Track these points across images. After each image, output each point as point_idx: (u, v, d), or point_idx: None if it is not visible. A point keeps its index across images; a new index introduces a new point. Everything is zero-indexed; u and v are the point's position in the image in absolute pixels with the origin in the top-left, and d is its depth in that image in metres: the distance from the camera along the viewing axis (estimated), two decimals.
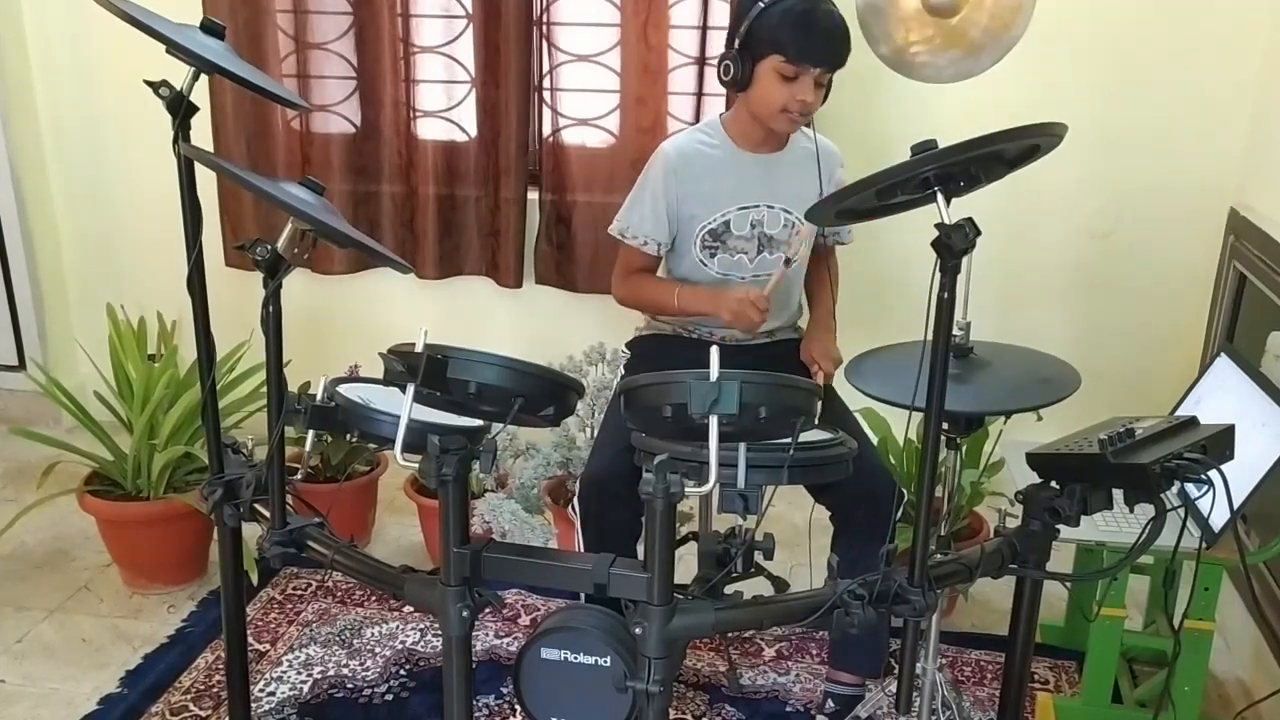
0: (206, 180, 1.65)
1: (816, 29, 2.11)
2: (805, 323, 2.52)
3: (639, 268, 2.39)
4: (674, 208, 2.30)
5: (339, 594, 2.78)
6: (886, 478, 2.13)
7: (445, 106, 3.30)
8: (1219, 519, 1.84)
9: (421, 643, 2.58)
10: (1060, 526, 1.55)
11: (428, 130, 3.32)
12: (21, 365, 3.62)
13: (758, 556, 1.49)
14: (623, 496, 2.02)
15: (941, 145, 1.36)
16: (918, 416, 1.45)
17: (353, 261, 3.41)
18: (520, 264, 3.33)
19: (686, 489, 1.34)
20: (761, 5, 2.12)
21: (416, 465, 1.44)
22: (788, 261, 2.20)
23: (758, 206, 2.31)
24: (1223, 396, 2.14)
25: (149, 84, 1.68)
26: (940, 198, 1.36)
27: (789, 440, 1.42)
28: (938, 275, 1.35)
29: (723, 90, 3.04)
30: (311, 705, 2.36)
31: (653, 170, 2.33)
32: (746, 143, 2.30)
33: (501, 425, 1.45)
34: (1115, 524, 2.04)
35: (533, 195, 3.30)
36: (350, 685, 2.42)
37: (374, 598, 2.76)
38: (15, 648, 2.55)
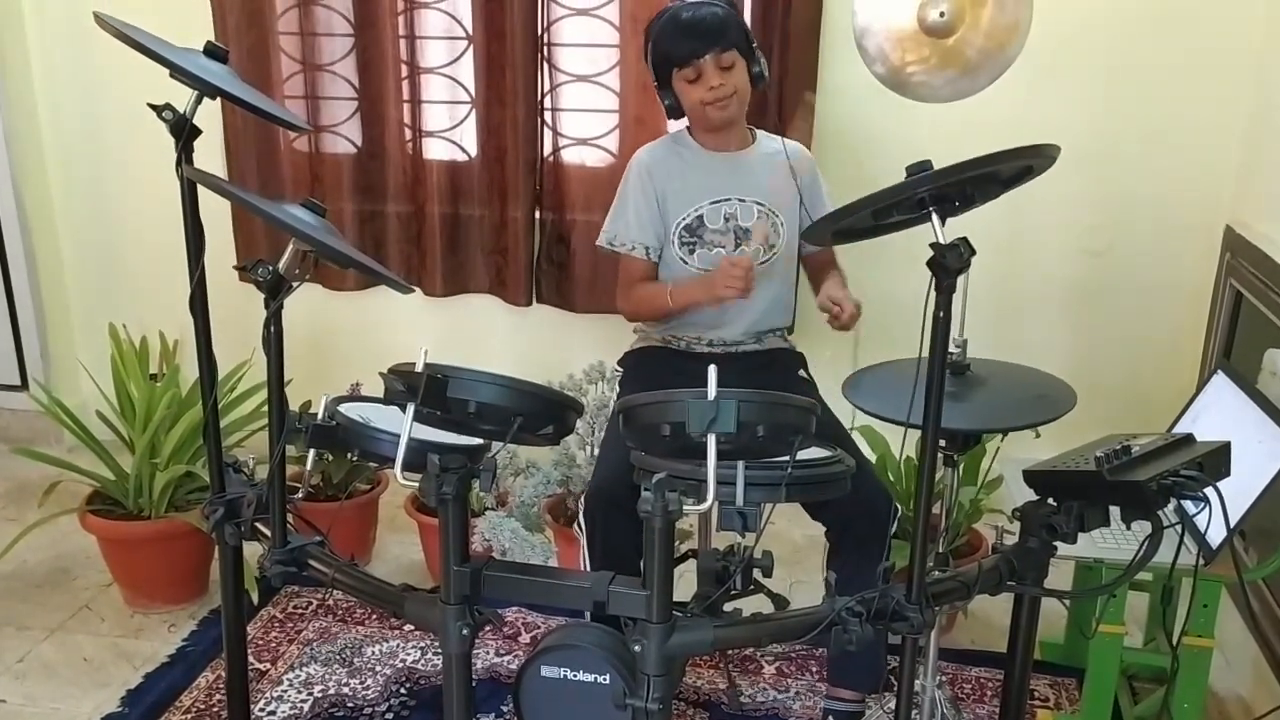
0: (218, 197, 1.67)
1: (681, 26, 2.27)
2: (795, 337, 2.53)
3: (638, 278, 2.43)
4: (655, 208, 2.38)
5: (340, 612, 2.78)
6: (883, 494, 2.14)
7: (447, 126, 3.32)
8: (1217, 536, 1.85)
9: (422, 661, 2.59)
10: (1058, 543, 1.56)
11: (431, 150, 3.34)
12: (24, 385, 3.63)
13: (756, 574, 1.50)
14: (627, 509, 2.02)
15: (938, 165, 1.37)
16: (915, 433, 1.46)
17: (359, 278, 3.43)
18: (530, 282, 3.35)
19: (685, 507, 1.35)
20: (649, 42, 2.33)
21: (417, 484, 1.45)
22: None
23: (729, 200, 2.38)
24: (1220, 413, 2.15)
25: (152, 107, 1.70)
26: (935, 218, 1.38)
27: (787, 458, 1.43)
28: (933, 294, 1.36)
29: None
30: None
31: (630, 177, 2.42)
32: (712, 145, 2.41)
33: (501, 444, 1.46)
34: (1113, 541, 2.04)
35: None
36: (351, 704, 2.42)
37: (375, 616, 2.76)
38: (16, 667, 2.55)
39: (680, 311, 2.38)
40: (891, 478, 2.66)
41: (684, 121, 2.44)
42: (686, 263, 2.38)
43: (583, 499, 2.21)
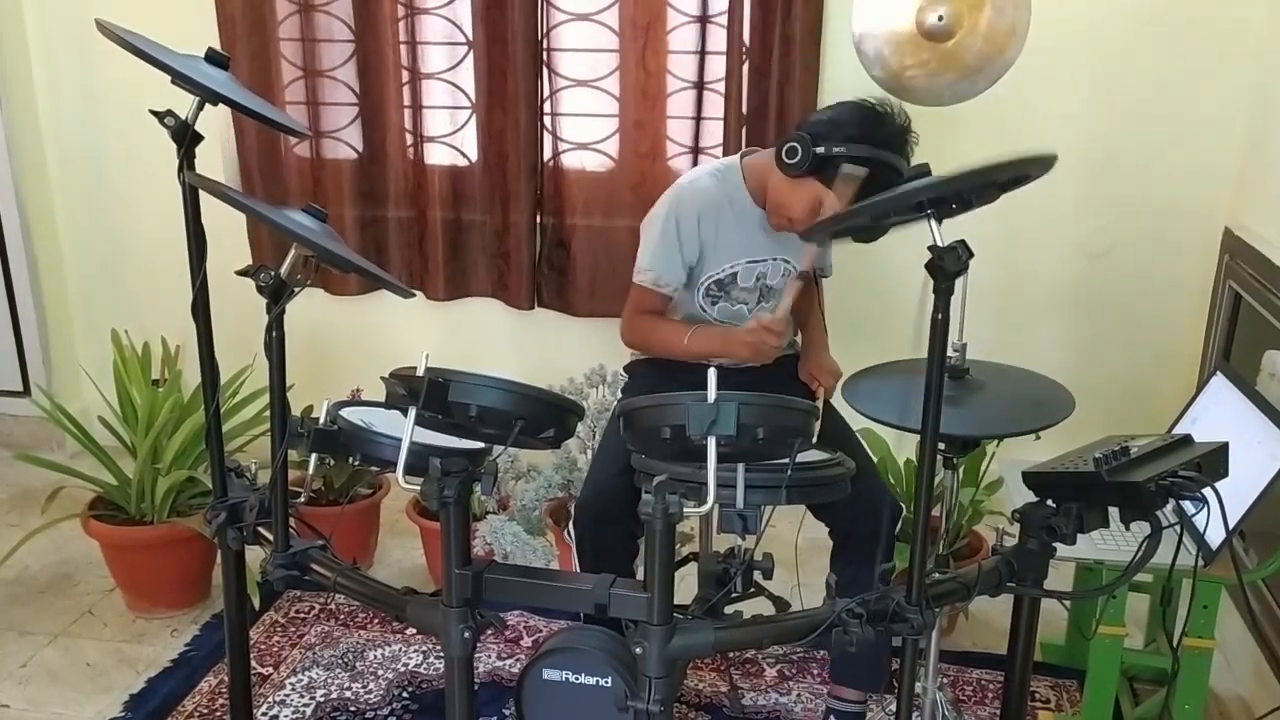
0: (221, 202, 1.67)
1: (896, 171, 2.04)
2: (799, 341, 2.54)
3: (650, 309, 2.33)
4: (694, 250, 2.27)
5: (341, 617, 2.78)
6: (885, 494, 2.15)
7: (448, 131, 3.33)
8: (1216, 536, 1.85)
9: (424, 665, 2.59)
10: (1057, 545, 1.56)
11: (432, 155, 3.35)
12: (26, 391, 3.63)
13: (757, 576, 1.50)
14: (618, 520, 2.03)
15: (937, 167, 1.37)
16: (915, 436, 1.46)
17: (361, 283, 3.44)
18: (532, 286, 3.35)
19: (685, 509, 1.36)
20: (875, 150, 2.05)
21: (418, 488, 1.46)
22: (802, 275, 2.18)
23: (764, 260, 2.31)
24: (1219, 415, 2.16)
25: (154, 113, 1.71)
26: (933, 222, 1.38)
27: (787, 460, 1.44)
28: (931, 297, 1.36)
29: (720, 115, 3.08)
30: None
31: (681, 215, 2.25)
32: (761, 197, 2.27)
33: (502, 448, 1.47)
34: (1113, 542, 2.05)
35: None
36: (353, 708, 2.43)
37: (376, 620, 2.76)
38: (19, 672, 2.55)
39: (690, 357, 2.27)
40: (892, 480, 2.66)
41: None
42: (706, 312, 2.33)
43: (574, 508, 2.22)
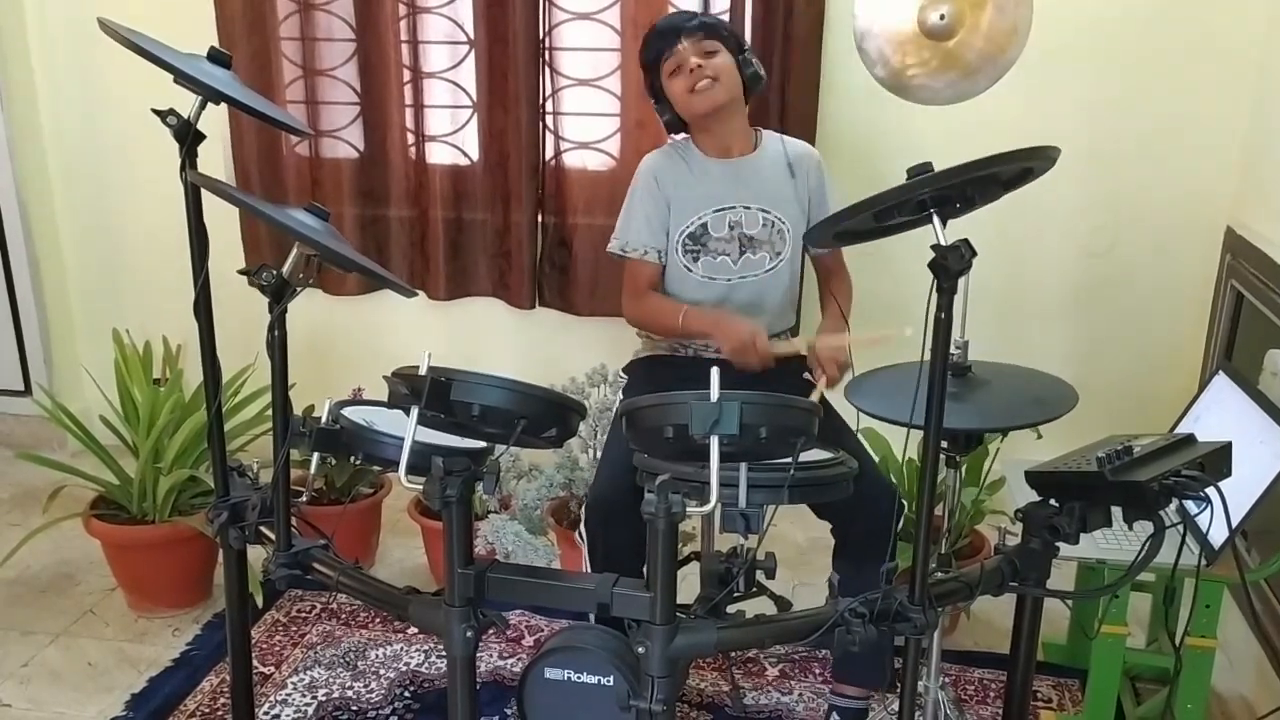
0: (223, 201, 1.67)
1: (663, 22, 2.38)
2: (798, 339, 2.53)
3: (646, 282, 2.42)
4: (665, 211, 2.39)
5: (343, 616, 2.78)
6: (887, 487, 2.15)
7: (449, 131, 3.33)
8: (1218, 536, 1.85)
9: (426, 664, 2.59)
10: (1060, 544, 1.56)
11: (433, 154, 3.35)
12: (27, 390, 3.64)
13: (759, 575, 1.50)
14: (628, 517, 2.03)
15: (940, 167, 1.37)
16: (917, 435, 1.46)
17: (362, 282, 3.44)
18: (533, 285, 3.36)
19: (688, 509, 1.36)
20: (640, 53, 2.40)
21: (420, 487, 1.46)
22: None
23: (734, 208, 2.38)
24: (1221, 414, 2.15)
25: (157, 112, 1.71)
26: (936, 220, 1.38)
27: (790, 460, 1.44)
28: (934, 295, 1.36)
29: None
30: None
31: (639, 182, 2.43)
32: (715, 151, 2.41)
33: (505, 447, 1.47)
34: (1115, 541, 2.04)
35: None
36: (355, 707, 2.43)
37: (378, 620, 2.76)
38: (21, 672, 2.55)
39: (685, 334, 2.39)
40: (894, 479, 2.66)
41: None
42: (690, 270, 2.39)
43: (584, 509, 2.22)
